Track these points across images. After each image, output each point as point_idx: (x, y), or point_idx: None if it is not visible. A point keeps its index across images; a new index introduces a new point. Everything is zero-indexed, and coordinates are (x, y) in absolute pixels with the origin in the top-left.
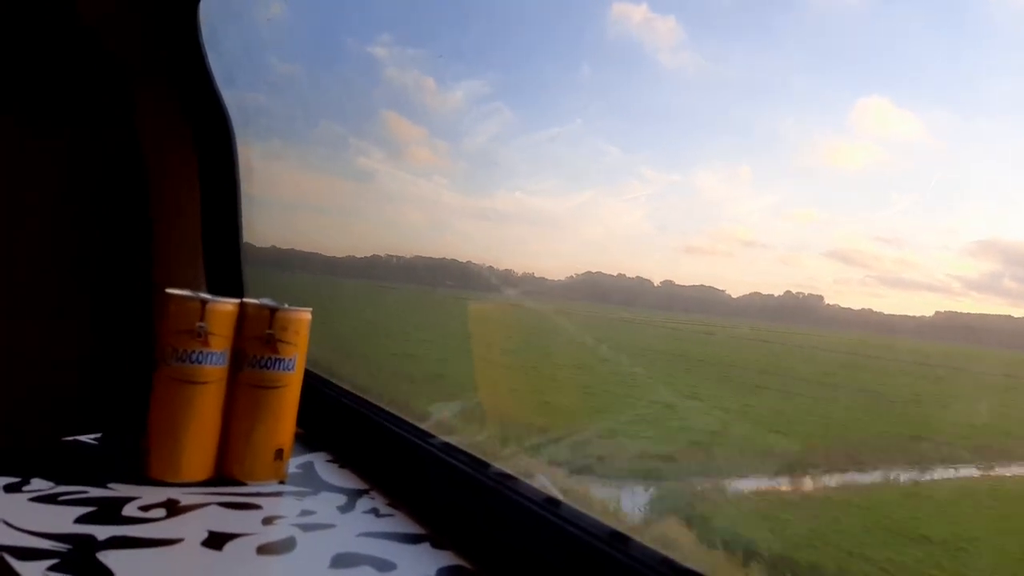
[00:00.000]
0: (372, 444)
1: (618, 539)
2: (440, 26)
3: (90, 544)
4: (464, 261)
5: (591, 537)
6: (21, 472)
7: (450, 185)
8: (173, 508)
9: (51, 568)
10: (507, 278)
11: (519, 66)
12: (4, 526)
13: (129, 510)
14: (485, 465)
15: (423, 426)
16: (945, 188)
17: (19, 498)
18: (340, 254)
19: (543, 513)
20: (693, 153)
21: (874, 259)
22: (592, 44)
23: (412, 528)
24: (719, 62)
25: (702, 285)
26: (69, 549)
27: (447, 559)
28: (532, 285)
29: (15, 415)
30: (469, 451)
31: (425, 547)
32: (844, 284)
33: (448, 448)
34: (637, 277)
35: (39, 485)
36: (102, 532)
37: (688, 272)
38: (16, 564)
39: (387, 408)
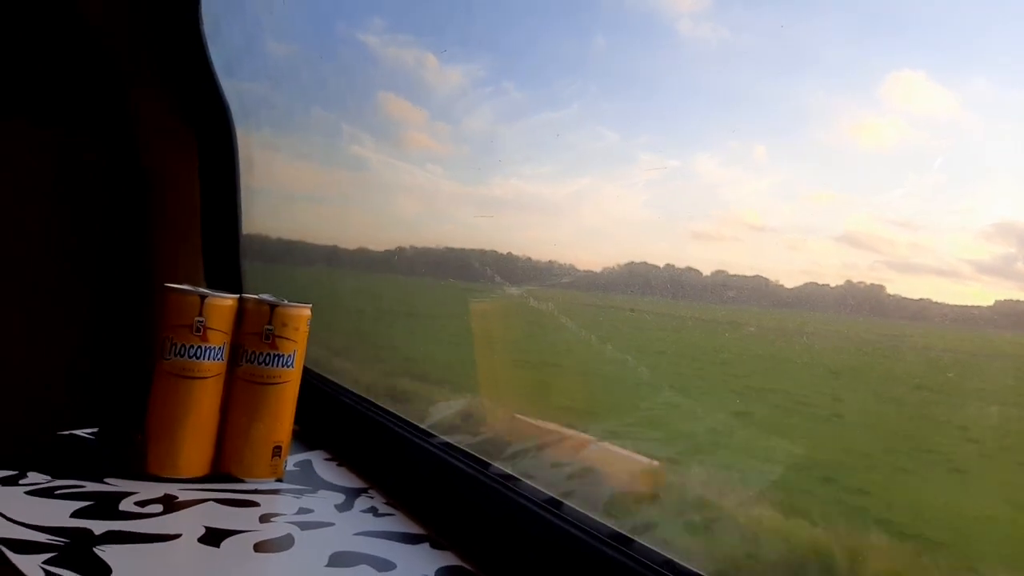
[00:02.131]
0: (371, 442)
1: (620, 540)
2: (442, 6)
3: (87, 538)
4: (504, 252)
5: (592, 538)
6: (18, 466)
7: (467, 173)
8: (170, 504)
9: (48, 562)
10: (550, 270)
11: (528, 37)
12: (1, 519)
13: (126, 505)
14: (486, 464)
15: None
16: (969, 167)
17: (16, 491)
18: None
19: (544, 513)
20: (710, 134)
21: (886, 243)
22: (606, 12)
23: (411, 528)
24: (744, 31)
25: (757, 276)
26: (66, 543)
27: (447, 559)
28: (573, 277)
29: (12, 409)
30: (470, 450)
31: (424, 547)
32: (852, 269)
33: (448, 447)
34: (687, 267)
35: (36, 479)
36: (99, 527)
37: (711, 258)
38: (13, 557)
39: (387, 407)
